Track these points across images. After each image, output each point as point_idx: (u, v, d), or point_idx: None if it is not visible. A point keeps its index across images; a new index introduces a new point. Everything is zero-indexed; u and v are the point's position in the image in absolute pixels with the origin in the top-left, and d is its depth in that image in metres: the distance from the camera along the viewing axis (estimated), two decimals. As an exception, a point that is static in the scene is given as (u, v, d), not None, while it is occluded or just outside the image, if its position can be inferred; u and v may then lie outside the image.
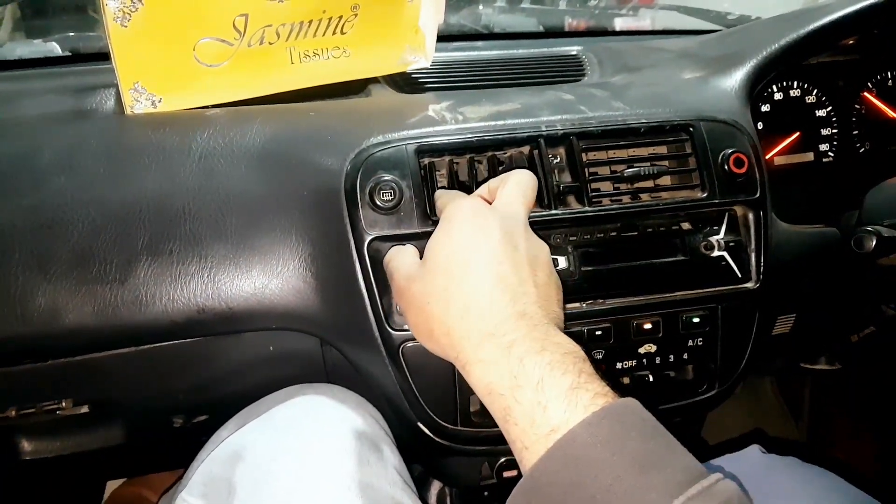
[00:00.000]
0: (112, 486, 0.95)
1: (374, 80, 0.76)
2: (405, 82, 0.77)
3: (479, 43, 0.95)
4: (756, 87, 0.72)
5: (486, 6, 1.02)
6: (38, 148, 0.58)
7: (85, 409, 0.59)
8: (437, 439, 0.62)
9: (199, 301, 0.56)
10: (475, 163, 0.62)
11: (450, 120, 0.63)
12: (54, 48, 0.84)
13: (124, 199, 0.56)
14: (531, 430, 0.40)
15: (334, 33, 0.67)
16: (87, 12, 0.91)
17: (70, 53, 0.84)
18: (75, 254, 0.53)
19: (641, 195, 0.63)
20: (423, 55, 0.74)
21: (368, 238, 0.57)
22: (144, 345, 0.57)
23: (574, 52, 0.88)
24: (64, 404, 0.58)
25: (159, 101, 0.63)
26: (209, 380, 0.63)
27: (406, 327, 0.58)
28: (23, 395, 0.59)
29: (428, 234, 0.58)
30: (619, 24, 1.07)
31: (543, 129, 0.63)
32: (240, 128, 0.61)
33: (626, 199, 0.62)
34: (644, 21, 1.15)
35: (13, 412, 0.59)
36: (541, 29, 1.06)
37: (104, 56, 0.73)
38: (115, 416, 0.64)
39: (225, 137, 0.60)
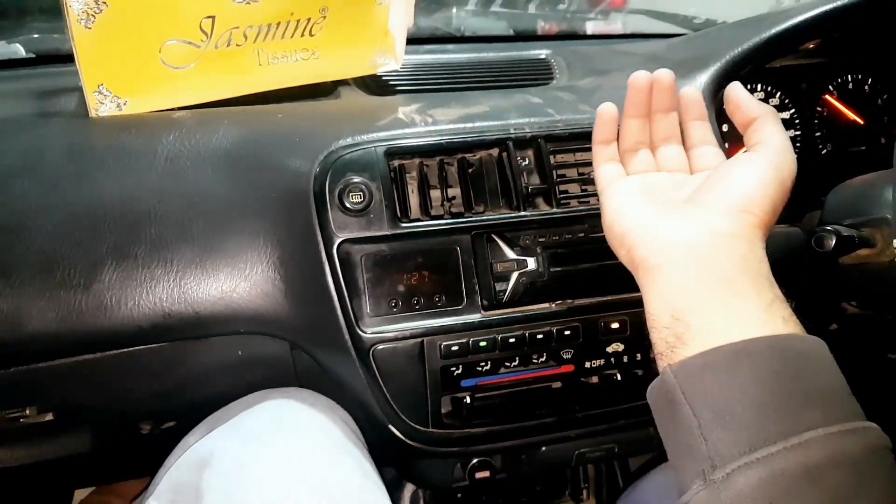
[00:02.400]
0: (80, 494, 0.93)
1: (344, 83, 0.76)
2: (375, 85, 0.77)
3: (450, 46, 0.96)
4: (720, 90, 0.73)
5: (457, 9, 1.02)
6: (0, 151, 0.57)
7: (49, 417, 0.58)
8: (408, 442, 0.62)
9: (165, 305, 0.55)
10: (445, 165, 0.62)
11: (419, 122, 0.63)
12: (18, 50, 0.83)
13: (89, 203, 0.55)
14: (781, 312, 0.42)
15: (303, 35, 0.67)
16: (51, 14, 0.90)
17: (34, 55, 0.83)
18: (38, 258, 0.52)
19: (608, 197, 0.63)
20: (392, 58, 0.74)
21: (338, 240, 0.57)
22: (110, 350, 0.57)
23: (543, 56, 0.89)
24: (28, 412, 0.56)
25: (124, 104, 0.62)
26: (177, 385, 0.63)
27: (376, 330, 0.58)
28: (-16, 403, 0.58)
29: (398, 237, 0.58)
30: (589, 27, 1.08)
31: (512, 131, 0.63)
32: (207, 130, 0.61)
33: (593, 200, 0.63)
34: (613, 25, 1.16)
35: (-26, 421, 0.57)
36: (510, 32, 1.07)
37: (69, 58, 0.72)
38: (80, 424, 0.62)
39: (192, 140, 0.59)
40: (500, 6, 1.04)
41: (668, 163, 0.55)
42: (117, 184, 0.56)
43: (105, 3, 0.57)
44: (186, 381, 0.62)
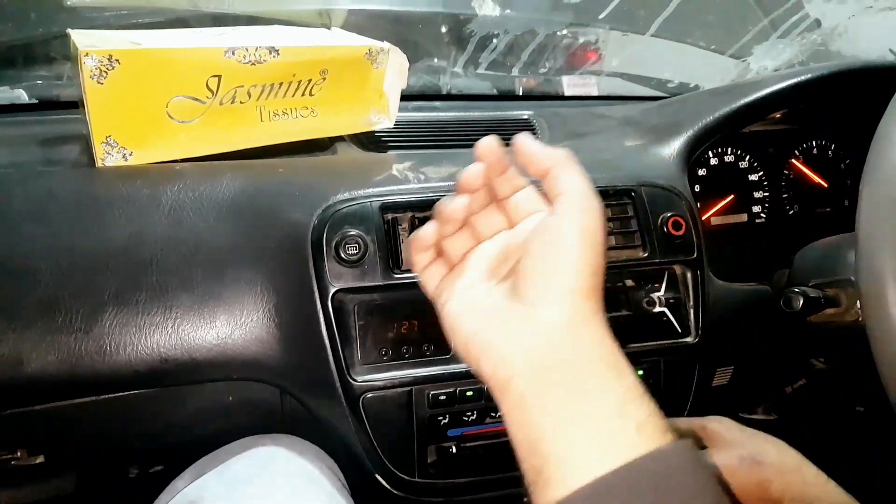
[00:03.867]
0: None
1: (340, 139, 0.79)
2: (369, 141, 0.80)
3: (438, 103, 1.00)
4: (693, 155, 0.78)
5: (445, 70, 1.07)
6: (8, 196, 0.58)
7: (40, 459, 0.58)
8: (394, 491, 0.63)
9: (162, 351, 0.56)
10: (435, 219, 0.65)
11: (412, 179, 0.67)
12: (21, 95, 0.85)
13: (93, 249, 0.57)
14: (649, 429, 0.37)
15: (303, 95, 0.71)
16: (52, 60, 0.92)
17: (36, 101, 0.85)
18: (42, 303, 0.54)
19: (589, 253, 0.67)
20: (386, 117, 0.78)
21: (333, 290, 0.59)
22: (106, 394, 0.57)
23: (526, 117, 0.93)
24: (19, 454, 0.57)
25: (130, 155, 0.64)
26: (167, 429, 0.63)
27: (366, 379, 0.60)
28: (-25, 446, 0.58)
29: (391, 287, 0.61)
30: (568, 89, 1.13)
31: None
32: (210, 181, 0.63)
33: None
34: (591, 86, 1.21)
35: (-36, 463, 0.57)
36: (495, 92, 1.12)
37: (71, 104, 0.74)
38: (70, 467, 0.63)
39: (195, 190, 0.62)
40: (485, 68, 1.10)
41: (488, 229, 0.49)
42: (122, 232, 0.58)
43: (118, 60, 0.60)
44: (177, 426, 0.63)
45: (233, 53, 0.64)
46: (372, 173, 0.67)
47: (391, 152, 0.80)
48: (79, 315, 0.54)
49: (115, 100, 0.61)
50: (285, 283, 0.60)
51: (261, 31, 0.77)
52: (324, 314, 0.59)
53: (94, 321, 0.55)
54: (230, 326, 0.59)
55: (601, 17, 1.08)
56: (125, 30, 0.72)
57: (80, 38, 0.63)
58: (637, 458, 0.35)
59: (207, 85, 0.64)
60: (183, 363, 0.57)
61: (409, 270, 0.62)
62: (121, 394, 0.58)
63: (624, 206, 0.69)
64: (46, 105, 0.84)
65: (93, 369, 0.54)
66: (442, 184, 0.66)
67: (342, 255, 0.60)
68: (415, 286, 0.62)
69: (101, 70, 0.59)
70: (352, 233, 0.60)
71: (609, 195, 0.69)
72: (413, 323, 0.62)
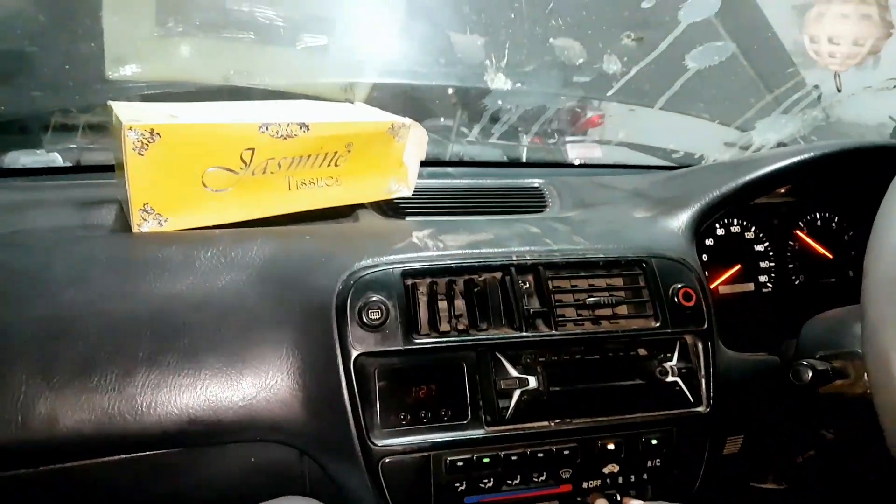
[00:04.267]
0: None
1: (362, 206, 0.83)
2: (389, 208, 0.84)
3: (452, 170, 1.04)
4: (700, 228, 0.80)
5: (458, 138, 1.13)
6: (50, 261, 0.61)
7: (65, 518, 0.59)
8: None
9: (190, 412, 0.58)
10: (453, 284, 0.67)
11: (432, 247, 0.70)
12: (56, 158, 0.89)
13: (129, 313, 0.59)
14: None
15: (329, 165, 0.75)
16: (86, 127, 0.97)
17: (70, 165, 0.89)
18: (79, 364, 0.56)
19: (602, 322, 0.69)
20: (405, 185, 0.82)
21: (355, 354, 0.61)
22: (134, 453, 0.59)
23: (536, 185, 0.97)
24: (47, 512, 0.58)
25: (165, 221, 0.67)
26: (189, 490, 0.64)
27: (386, 443, 0.61)
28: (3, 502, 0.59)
29: (411, 352, 0.63)
30: (576, 157, 1.18)
31: (514, 258, 0.69)
32: (242, 247, 0.66)
33: (588, 324, 0.68)
34: (596, 149, 1.26)
35: (-12, 521, 0.58)
36: (506, 159, 1.17)
37: (102, 168, 0.78)
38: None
39: (227, 256, 0.65)
40: (497, 138, 1.15)
41: None
42: (156, 296, 0.61)
43: (159, 134, 0.63)
44: (200, 487, 0.64)
45: (266, 128, 0.68)
46: (393, 241, 0.70)
47: (410, 219, 0.83)
48: (113, 376, 0.56)
49: (154, 170, 0.65)
50: (310, 346, 0.62)
51: (290, 105, 0.82)
52: (346, 378, 0.61)
53: (127, 382, 0.56)
54: (256, 388, 0.60)
55: (609, 93, 1.13)
56: (161, 101, 0.76)
57: (122, 111, 0.67)
58: None
59: (241, 157, 0.68)
60: (210, 424, 0.58)
61: (428, 335, 0.64)
62: (147, 453, 0.59)
63: (635, 276, 0.71)
64: (79, 168, 0.88)
65: (124, 428, 0.56)
66: (460, 251, 0.69)
67: (364, 320, 0.62)
68: (433, 351, 0.64)
69: (142, 143, 0.63)
70: (374, 298, 0.63)
71: (620, 265, 0.71)
72: (431, 387, 0.63)
